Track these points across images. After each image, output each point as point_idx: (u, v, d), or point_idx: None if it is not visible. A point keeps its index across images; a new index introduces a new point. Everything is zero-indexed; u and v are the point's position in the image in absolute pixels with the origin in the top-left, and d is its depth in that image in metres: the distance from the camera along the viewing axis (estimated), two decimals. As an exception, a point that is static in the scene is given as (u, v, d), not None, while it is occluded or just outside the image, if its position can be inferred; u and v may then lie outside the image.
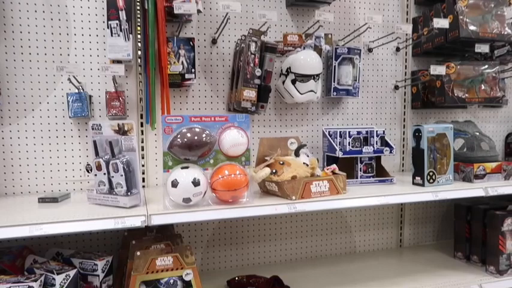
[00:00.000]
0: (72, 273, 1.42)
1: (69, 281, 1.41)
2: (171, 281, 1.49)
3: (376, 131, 1.98)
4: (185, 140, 1.47)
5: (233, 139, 1.53)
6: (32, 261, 1.54)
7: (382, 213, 2.48)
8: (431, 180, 1.89)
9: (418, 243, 2.58)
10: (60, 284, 1.38)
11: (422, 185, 1.88)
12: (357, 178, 1.97)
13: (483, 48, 2.16)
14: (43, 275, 1.36)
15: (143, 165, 1.98)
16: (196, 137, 1.47)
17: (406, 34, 2.35)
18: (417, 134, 1.91)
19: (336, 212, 2.37)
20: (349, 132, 1.94)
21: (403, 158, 2.49)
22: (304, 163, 1.77)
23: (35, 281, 1.31)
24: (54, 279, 1.37)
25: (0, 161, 1.80)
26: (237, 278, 1.94)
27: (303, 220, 2.31)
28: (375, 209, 2.45)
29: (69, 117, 1.81)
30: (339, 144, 1.97)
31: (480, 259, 2.17)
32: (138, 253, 1.46)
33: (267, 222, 2.24)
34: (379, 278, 2.00)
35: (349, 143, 1.94)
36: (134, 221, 1.39)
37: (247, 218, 2.19)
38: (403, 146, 2.49)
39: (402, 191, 1.79)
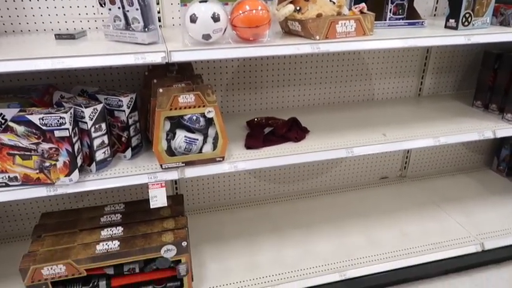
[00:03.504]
0: (99, 107, 1.47)
1: (97, 114, 1.47)
2: (194, 118, 1.55)
3: (414, -35, 1.76)
4: (202, -32, 1.33)
5: (255, -32, 1.38)
6: (59, 96, 1.59)
7: (405, 60, 2.40)
8: (466, 23, 1.76)
9: (437, 92, 2.57)
10: (89, 117, 1.45)
11: (456, 28, 1.75)
12: (385, 20, 1.85)
13: None
14: (72, 108, 1.42)
15: (158, 3, 1.87)
16: (214, -35, 1.34)
17: None
18: (460, -32, 1.69)
19: (357, 58, 2.30)
20: (383, -35, 1.74)
21: (437, 1, 2.29)
22: (330, 0, 1.64)
23: (66, 112, 1.36)
24: (83, 112, 1.43)
25: (9, -5, 1.72)
26: (256, 119, 2.01)
27: (323, 66, 2.27)
28: (398, 56, 2.37)
29: None
30: (370, -19, 1.78)
31: (498, 107, 2.17)
32: (161, 90, 1.48)
33: (287, 66, 2.20)
34: (395, 123, 2.05)
35: (381, -22, 1.76)
36: (154, 57, 1.36)
37: (267, 61, 2.15)
38: (440, -13, 2.26)
39: (433, 34, 1.69)
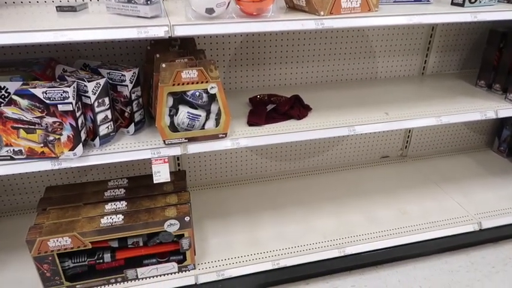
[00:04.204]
0: (102, 81, 1.47)
1: (100, 88, 1.46)
2: (197, 93, 1.54)
3: None
4: None
5: None
6: (61, 70, 1.58)
7: (410, 38, 2.37)
8: (472, 0, 1.73)
9: (441, 71, 2.55)
10: (92, 91, 1.44)
11: (462, 5, 1.73)
12: (391, -4, 1.81)
13: None
14: (75, 81, 1.41)
15: (160, -24, 1.83)
16: None
17: None
18: None
19: (361, 35, 2.28)
20: None
21: (444, -23, 2.24)
22: (336, -25, 1.61)
23: (69, 86, 1.36)
24: (86, 86, 1.42)
25: (8, -35, 1.69)
26: (258, 96, 2.01)
27: (327, 43, 2.24)
28: (402, 33, 2.34)
29: None
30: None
31: (502, 87, 2.16)
32: (164, 65, 1.47)
33: (291, 43, 2.18)
34: (398, 102, 2.04)
35: (388, -47, 1.72)
36: (157, 30, 1.35)
37: (270, 37, 2.13)
38: (448, -38, 2.20)
39: (438, 11, 1.66)
